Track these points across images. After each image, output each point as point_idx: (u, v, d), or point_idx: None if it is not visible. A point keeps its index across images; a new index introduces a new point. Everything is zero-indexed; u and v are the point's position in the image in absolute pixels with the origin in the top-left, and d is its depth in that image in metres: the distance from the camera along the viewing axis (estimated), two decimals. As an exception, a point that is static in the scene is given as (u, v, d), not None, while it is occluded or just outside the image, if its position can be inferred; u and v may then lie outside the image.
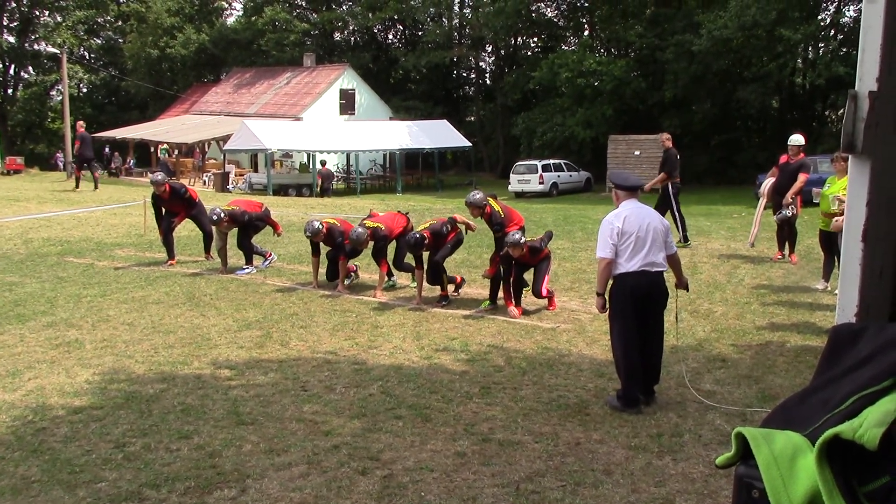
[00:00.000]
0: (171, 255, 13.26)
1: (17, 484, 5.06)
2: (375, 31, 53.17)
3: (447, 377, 7.13)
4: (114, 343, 8.35)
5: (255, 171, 38.25)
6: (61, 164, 44.08)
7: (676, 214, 14.48)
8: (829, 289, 10.32)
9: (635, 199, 6.51)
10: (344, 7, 53.06)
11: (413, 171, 40.21)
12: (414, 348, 8.12)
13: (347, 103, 44.60)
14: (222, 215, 12.09)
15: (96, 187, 28.89)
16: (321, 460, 5.36)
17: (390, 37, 55.34)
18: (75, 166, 29.67)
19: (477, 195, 10.04)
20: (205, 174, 38.16)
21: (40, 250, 14.82)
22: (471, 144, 39.77)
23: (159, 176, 13.18)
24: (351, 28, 53.74)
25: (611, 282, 6.38)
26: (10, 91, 60.75)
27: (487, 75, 52.09)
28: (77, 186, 28.64)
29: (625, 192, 6.54)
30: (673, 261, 6.56)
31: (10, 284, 11.49)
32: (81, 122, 32.40)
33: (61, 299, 10.50)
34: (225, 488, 4.96)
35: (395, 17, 50.32)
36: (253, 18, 52.08)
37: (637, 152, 32.52)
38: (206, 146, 40.83)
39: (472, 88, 52.73)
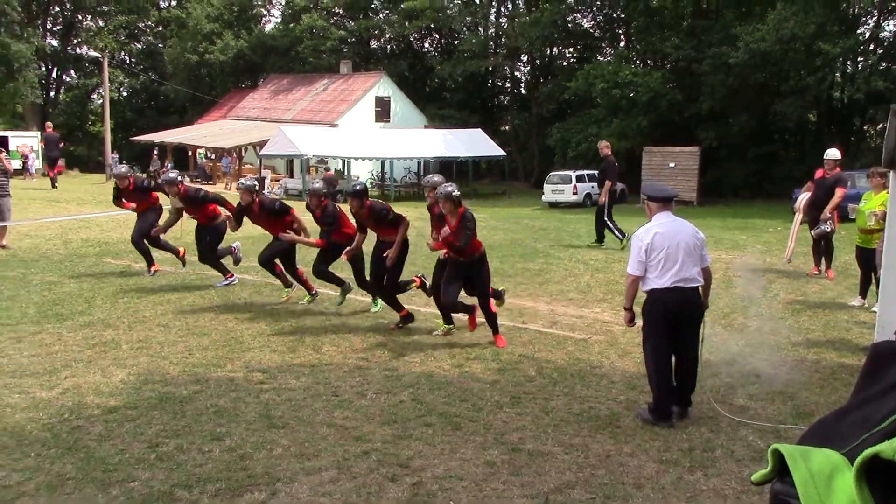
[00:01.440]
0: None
1: (53, 481, 5.13)
2: (412, 39, 53.38)
3: (478, 386, 7.13)
4: (149, 344, 8.45)
5: (291, 176, 38.53)
6: (112, 166, 44.86)
7: (607, 220, 16.02)
8: (866, 305, 10.18)
9: (668, 212, 6.34)
10: (381, 15, 53.37)
11: (447, 179, 40.25)
12: (445, 356, 8.13)
13: (383, 111, 44.80)
14: (178, 179, 11.63)
15: (54, 186, 29.90)
16: (351, 466, 5.38)
17: (426, 45, 55.53)
18: (47, 166, 30.65)
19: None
20: (241, 179, 38.46)
21: (79, 251, 15.04)
22: (505, 154, 39.77)
23: (123, 168, 12.95)
24: (387, 36, 54.02)
25: (646, 295, 6.31)
26: (52, 94, 61.78)
27: (522, 85, 52.10)
28: (54, 185, 29.78)
29: (657, 204, 6.40)
30: (704, 275, 6.34)
31: (50, 284, 11.67)
32: (49, 123, 33.16)
33: (99, 299, 10.64)
34: (255, 491, 5.00)
35: (432, 26, 50.49)
36: (291, 25, 52.55)
37: (672, 164, 32.32)
38: (243, 151, 41.19)
39: (507, 98, 52.75)
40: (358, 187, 9.45)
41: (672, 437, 5.97)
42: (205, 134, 44.93)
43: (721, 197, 33.96)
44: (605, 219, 16.06)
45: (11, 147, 37.74)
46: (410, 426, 6.12)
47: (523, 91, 51.49)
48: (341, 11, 53.30)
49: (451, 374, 7.49)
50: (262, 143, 37.18)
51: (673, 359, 6.28)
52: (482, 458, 5.53)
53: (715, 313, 7.43)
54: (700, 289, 6.29)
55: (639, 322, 6.50)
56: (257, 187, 10.97)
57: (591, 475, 5.27)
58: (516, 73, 51.12)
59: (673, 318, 6.13)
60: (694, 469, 5.39)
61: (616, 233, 15.93)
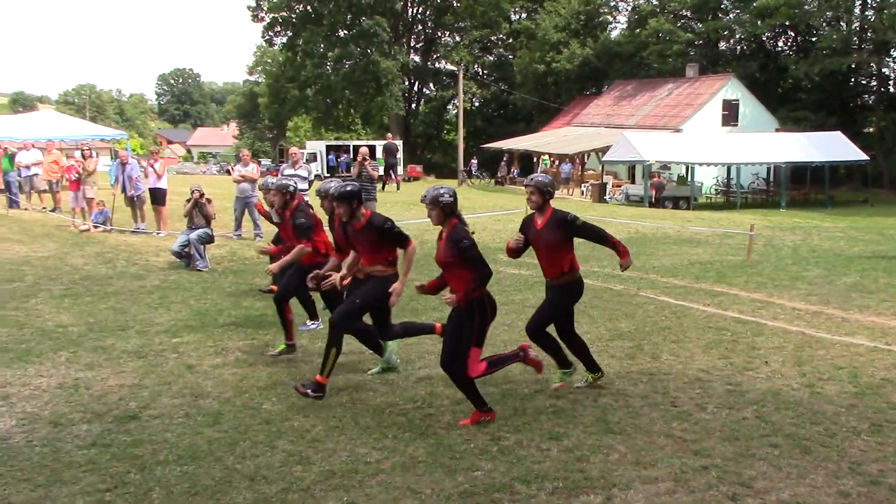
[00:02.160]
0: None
1: (406, 462, 5.56)
2: (764, 38, 50.70)
3: (831, 409, 6.60)
4: (493, 342, 8.82)
5: (633, 182, 38.39)
6: (471, 172, 48.18)
7: None
8: None
9: None
10: (731, 15, 51.32)
11: (800, 185, 37.67)
12: (794, 374, 7.62)
13: (730, 114, 43.14)
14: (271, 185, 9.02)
15: (398, 188, 32.12)
16: (689, 479, 5.23)
17: (780, 44, 52.47)
18: (385, 175, 33.24)
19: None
20: (583, 184, 39.14)
21: (432, 252, 16.11)
22: (868, 158, 36.34)
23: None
24: (737, 36, 51.84)
25: None
26: (413, 106, 67.24)
27: (891, 83, 47.33)
28: (383, 188, 32.12)
29: None
30: None
31: (407, 281, 12.61)
32: (389, 134, 35.52)
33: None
34: (591, 494, 5.04)
35: (787, 24, 47.57)
36: (636, 31, 52.37)
37: None
38: (586, 157, 41.78)
39: (873, 97, 48.16)
40: (349, 188, 7.03)
41: None
42: (549, 140, 46.24)
43: None
44: None
45: (378, 155, 41.48)
46: (754, 445, 5.82)
47: (892, 89, 46.78)
48: (689, 14, 52.18)
49: (801, 394, 7.00)
50: (605, 150, 37.43)
51: None
52: (835, 487, 5.11)
53: None
54: None
55: None
56: (292, 188, 8.45)
57: (969, 521, 4.67)
58: (884, 70, 46.50)
59: None
60: None
61: None
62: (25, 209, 21.96)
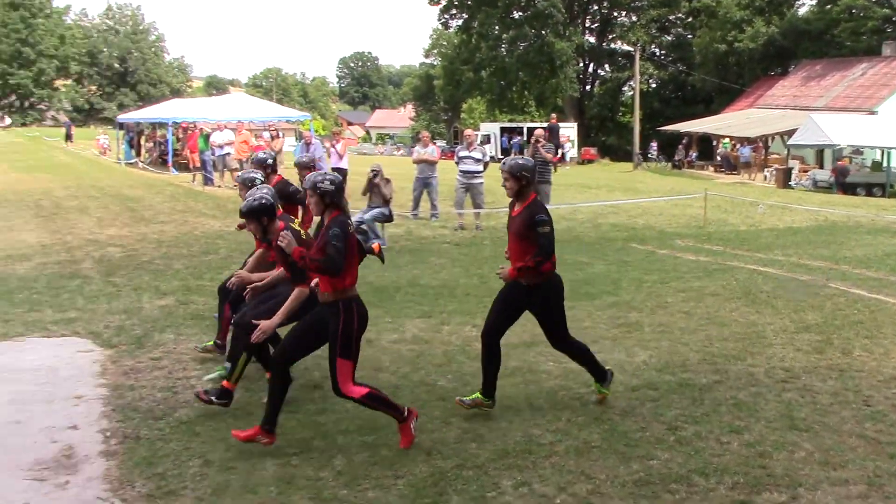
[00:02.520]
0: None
1: (580, 446, 5.53)
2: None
3: None
4: (670, 329, 8.63)
5: (821, 167, 36.34)
6: (646, 155, 47.22)
7: None
8: None
9: None
10: (936, -12, 47.54)
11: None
12: None
13: (932, 95, 40.03)
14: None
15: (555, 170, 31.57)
16: (884, 484, 4.93)
17: None
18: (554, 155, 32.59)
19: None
20: (766, 169, 37.43)
21: (607, 235, 15.93)
22: None
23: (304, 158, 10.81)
24: (943, 11, 47.97)
25: None
26: (587, 87, 66.41)
27: None
28: (555, 170, 31.44)
29: None
30: None
31: (581, 264, 12.51)
32: (553, 115, 34.76)
33: (624, 282, 11.16)
34: (774, 492, 4.85)
35: None
36: (827, 7, 49.46)
37: None
38: (770, 140, 39.94)
39: None
40: (263, 201, 6.10)
41: None
42: (730, 123, 44.56)
43: None
44: None
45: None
46: (959, 452, 5.41)
47: None
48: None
49: None
50: (790, 133, 35.66)
51: None
52: None
53: None
54: None
55: None
56: (258, 181, 7.15)
57: None
58: None
59: None
60: None
61: None
62: (219, 186, 23.40)
